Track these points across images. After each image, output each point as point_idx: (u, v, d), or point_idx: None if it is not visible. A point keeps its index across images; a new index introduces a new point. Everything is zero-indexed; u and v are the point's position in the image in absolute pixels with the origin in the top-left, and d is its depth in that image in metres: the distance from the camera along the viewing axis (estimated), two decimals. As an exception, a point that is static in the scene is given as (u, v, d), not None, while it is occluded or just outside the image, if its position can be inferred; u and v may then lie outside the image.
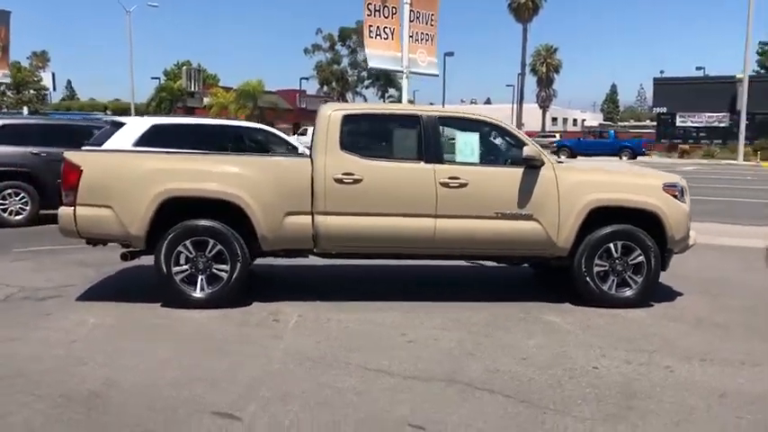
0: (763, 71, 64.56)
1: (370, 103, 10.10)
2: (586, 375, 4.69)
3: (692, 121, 46.85)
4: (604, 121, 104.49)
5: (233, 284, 6.18)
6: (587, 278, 6.44)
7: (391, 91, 78.65)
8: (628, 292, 6.48)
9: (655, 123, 58.34)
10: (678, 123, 47.17)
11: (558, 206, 6.35)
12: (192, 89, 59.61)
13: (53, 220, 11.99)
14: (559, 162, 6.62)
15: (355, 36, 77.99)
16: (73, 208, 6.12)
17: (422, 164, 6.35)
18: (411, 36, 13.28)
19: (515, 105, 63.15)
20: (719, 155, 39.31)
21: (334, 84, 78.88)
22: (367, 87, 79.18)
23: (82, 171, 6.08)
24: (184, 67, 61.62)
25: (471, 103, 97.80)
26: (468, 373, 4.67)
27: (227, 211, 6.18)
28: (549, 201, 6.36)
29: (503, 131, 6.68)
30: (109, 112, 52.54)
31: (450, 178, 6.28)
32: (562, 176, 6.41)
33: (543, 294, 6.94)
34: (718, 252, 9.52)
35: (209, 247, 6.15)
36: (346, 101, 78.92)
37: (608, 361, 4.99)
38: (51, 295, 6.65)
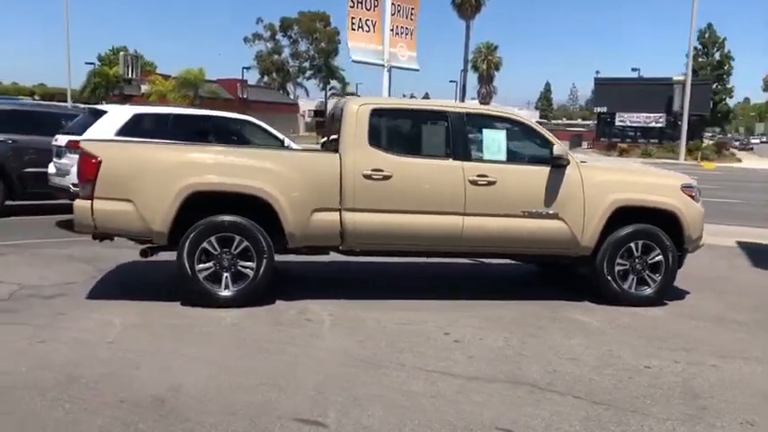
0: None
1: (395, 98, 9.84)
2: (642, 375, 4.73)
3: (630, 121, 48.39)
4: (540, 118, 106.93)
5: (260, 281, 5.98)
6: (609, 277, 6.52)
7: (333, 83, 78.38)
8: (648, 291, 6.60)
9: (586, 122, 59.80)
10: (617, 123, 48.66)
11: (583, 205, 6.40)
12: (130, 76, 57.78)
13: (20, 211, 11.47)
14: (583, 162, 6.66)
15: (297, 26, 77.37)
16: (90, 201, 5.78)
17: (450, 161, 6.29)
18: (392, 30, 13.17)
19: (458, 101, 63.76)
20: (657, 154, 40.75)
21: (274, 74, 78.03)
22: (308, 78, 78.68)
23: (101, 162, 5.75)
24: (121, 53, 59.72)
25: (412, 96, 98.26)
26: (529, 374, 4.65)
27: (253, 207, 5.96)
28: (574, 200, 6.40)
29: (529, 130, 6.67)
30: (36, 97, 50.29)
31: (478, 176, 6.24)
32: (587, 176, 6.46)
33: (557, 292, 7.00)
34: (702, 250, 9.80)
35: (235, 243, 5.92)
36: (287, 92, 78.18)
37: (656, 360, 5.05)
38: (57, 293, 6.27)
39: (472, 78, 69.89)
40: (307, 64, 78.09)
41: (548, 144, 6.48)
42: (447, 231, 6.26)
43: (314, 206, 6.03)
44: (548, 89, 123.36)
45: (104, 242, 8.33)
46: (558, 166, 6.40)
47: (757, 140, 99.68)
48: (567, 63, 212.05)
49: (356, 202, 6.09)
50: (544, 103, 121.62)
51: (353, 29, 12.68)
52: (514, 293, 6.94)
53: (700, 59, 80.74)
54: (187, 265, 5.85)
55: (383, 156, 6.16)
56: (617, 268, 6.53)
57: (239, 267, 5.96)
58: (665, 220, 6.60)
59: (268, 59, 77.15)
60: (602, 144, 47.97)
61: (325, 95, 79.79)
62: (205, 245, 5.88)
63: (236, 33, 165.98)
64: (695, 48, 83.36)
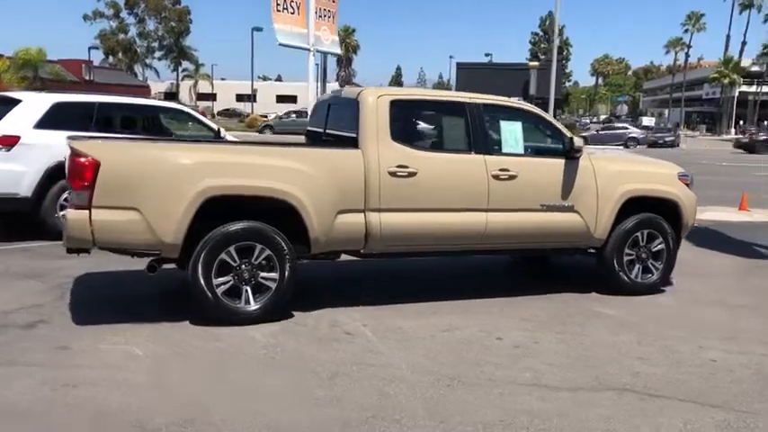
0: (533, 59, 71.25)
1: (408, 88, 8.80)
2: (718, 370, 4.72)
3: (490, 104, 50.27)
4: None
5: (285, 291, 5.39)
6: (619, 267, 6.53)
7: (186, 64, 74.93)
8: (653, 279, 6.69)
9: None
10: (478, 105, 50.40)
11: (596, 197, 6.34)
12: (-47, 54, 51.62)
13: None
14: (590, 153, 6.61)
15: (143, 4, 72.84)
16: (87, 211, 4.88)
17: (473, 155, 5.99)
18: (315, 12, 12.58)
19: (319, 84, 63.16)
20: (518, 135, 42.68)
21: (121, 54, 73.19)
22: (159, 59, 74.58)
23: (99, 165, 4.87)
24: (-58, 29, 53.20)
25: (266, 79, 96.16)
26: (616, 378, 4.49)
27: (272, 211, 5.34)
28: (588, 192, 6.32)
29: (542, 120, 6.50)
30: None
31: (500, 170, 5.99)
32: (598, 167, 6.41)
33: (554, 283, 6.95)
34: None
35: (257, 252, 5.28)
36: (135, 73, 73.57)
37: (712, 352, 5.08)
38: (34, 320, 5.29)
39: (332, 61, 69.63)
40: (156, 44, 73.87)
41: (561, 135, 6.35)
42: (471, 229, 5.98)
43: (339, 208, 5.50)
44: (399, 73, 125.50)
45: (34, 252, 7.38)
46: (571, 157, 6.30)
47: (587, 120, 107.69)
48: (415, 47, 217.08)
49: (381, 202, 5.63)
50: (395, 87, 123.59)
51: (278, 10, 11.94)
52: (517, 288, 6.75)
53: (542, 45, 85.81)
54: (204, 280, 5.13)
55: (407, 151, 5.74)
56: (625, 258, 6.56)
57: (260, 279, 5.33)
58: (665, 208, 6.71)
59: (113, 39, 72.12)
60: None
61: (177, 77, 76.14)
62: (223, 256, 5.19)
63: (78, 10, 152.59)
64: (537, 34, 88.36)
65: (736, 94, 67.98)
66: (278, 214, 5.35)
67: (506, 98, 6.85)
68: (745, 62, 67.61)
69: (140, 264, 5.58)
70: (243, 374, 4.36)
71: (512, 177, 6.03)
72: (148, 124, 9.53)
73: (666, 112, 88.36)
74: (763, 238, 10.11)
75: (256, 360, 4.62)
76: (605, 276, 6.65)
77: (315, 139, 6.75)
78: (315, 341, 5.03)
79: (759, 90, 67.10)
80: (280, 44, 11.82)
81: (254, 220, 5.29)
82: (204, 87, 74.01)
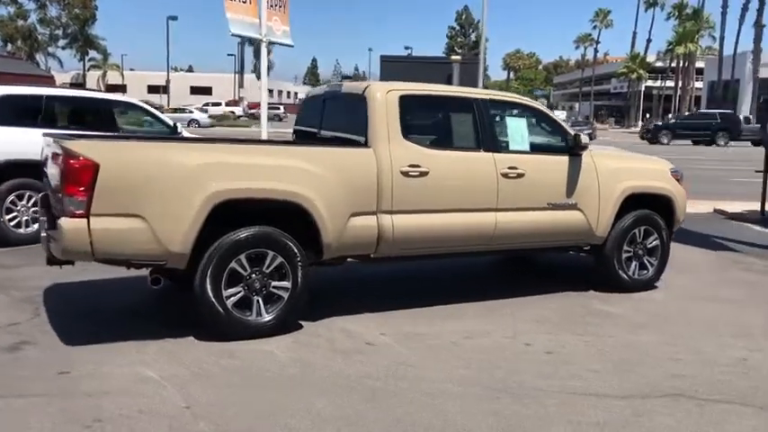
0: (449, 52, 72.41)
1: (414, 83, 7.90)
2: (751, 369, 4.69)
3: (413, 97, 50.57)
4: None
5: (299, 299, 5.02)
6: (618, 265, 6.49)
7: (92, 53, 71.62)
8: (648, 275, 6.69)
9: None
10: (402, 98, 50.66)
11: (598, 194, 6.27)
12: None
13: None
14: (590, 150, 6.51)
15: (45, -11, 68.87)
16: (85, 220, 4.35)
17: (482, 153, 5.78)
18: (267, 1, 12.09)
19: (236, 75, 61.83)
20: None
21: (20, 42, 69.02)
22: (63, 48, 70.83)
23: (98, 167, 4.35)
24: None
25: (177, 70, 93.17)
26: (661, 382, 4.38)
27: (281, 216, 4.96)
28: (590, 189, 6.24)
29: (545, 117, 6.34)
30: None
31: (509, 168, 5.82)
32: (599, 164, 6.34)
33: (545, 281, 6.86)
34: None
35: (268, 260, 4.88)
36: (37, 62, 69.56)
37: (735, 351, 5.05)
38: (17, 341, 4.70)
39: (248, 52, 68.09)
40: (60, 32, 70.07)
41: (564, 132, 6.24)
42: (481, 230, 5.78)
43: (352, 210, 5.17)
44: (314, 65, 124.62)
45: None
46: (575, 154, 6.19)
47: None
48: (330, 40, 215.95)
49: (394, 203, 5.34)
50: (311, 78, 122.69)
51: (230, -2, 11.36)
52: (513, 288, 6.58)
53: (458, 39, 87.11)
54: (213, 293, 4.70)
55: (418, 149, 5.46)
56: (624, 255, 6.53)
57: (272, 288, 4.93)
58: (658, 204, 6.71)
59: (11, 25, 67.92)
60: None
61: (84, 67, 72.63)
62: (233, 265, 4.77)
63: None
64: (453, 28, 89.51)
65: (643, 88, 71.13)
66: (287, 219, 4.97)
67: (511, 94, 6.68)
68: (651, 58, 70.76)
69: (110, 272, 5.30)
70: (279, 396, 3.98)
71: (520, 176, 5.86)
72: (100, 119, 8.83)
73: (577, 105, 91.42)
74: (714, 229, 10.42)
75: (286, 378, 4.25)
76: (604, 274, 6.60)
77: (306, 139, 6.36)
78: (337, 354, 4.70)
79: (663, 84, 70.45)
80: (232, 34, 11.28)
81: (263, 225, 4.89)
82: (114, 78, 70.99)
